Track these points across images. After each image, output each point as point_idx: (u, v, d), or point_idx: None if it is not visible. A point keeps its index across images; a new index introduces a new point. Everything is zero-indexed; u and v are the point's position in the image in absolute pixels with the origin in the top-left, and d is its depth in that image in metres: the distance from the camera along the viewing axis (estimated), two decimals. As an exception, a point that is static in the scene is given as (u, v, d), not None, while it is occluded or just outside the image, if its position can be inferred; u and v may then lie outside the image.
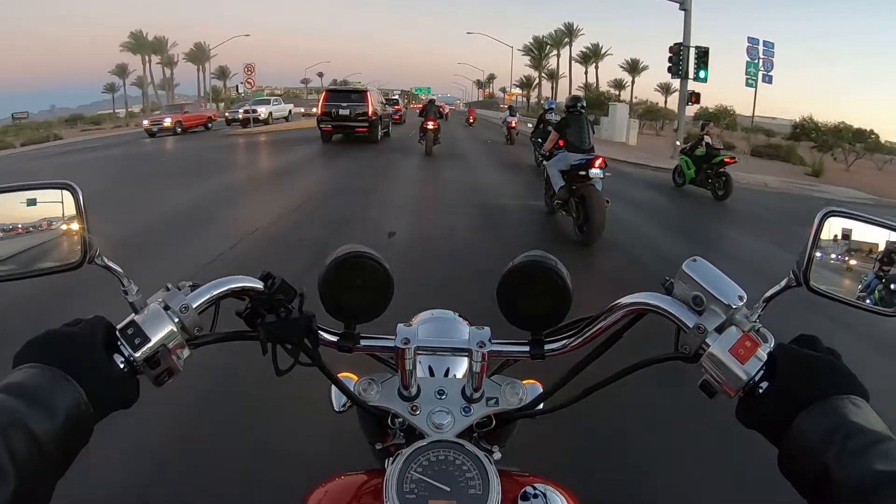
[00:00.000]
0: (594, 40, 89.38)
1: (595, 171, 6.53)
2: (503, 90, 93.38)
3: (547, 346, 0.81)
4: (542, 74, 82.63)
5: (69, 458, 0.57)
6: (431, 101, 17.59)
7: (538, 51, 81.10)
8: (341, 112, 19.38)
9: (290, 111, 39.18)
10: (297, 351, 0.73)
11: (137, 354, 0.65)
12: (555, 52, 79.63)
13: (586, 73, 75.99)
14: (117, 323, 0.67)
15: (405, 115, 38.10)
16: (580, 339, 0.79)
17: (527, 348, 0.81)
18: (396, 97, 43.01)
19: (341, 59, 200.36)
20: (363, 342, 0.82)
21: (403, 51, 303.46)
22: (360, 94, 19.90)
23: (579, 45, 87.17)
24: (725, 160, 10.85)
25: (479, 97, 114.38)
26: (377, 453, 0.98)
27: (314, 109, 23.65)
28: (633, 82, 76.91)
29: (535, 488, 0.69)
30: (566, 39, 77.14)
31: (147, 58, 74.83)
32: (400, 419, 0.80)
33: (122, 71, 78.98)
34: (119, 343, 0.65)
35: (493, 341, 0.78)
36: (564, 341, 0.81)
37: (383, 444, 0.95)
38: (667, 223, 8.70)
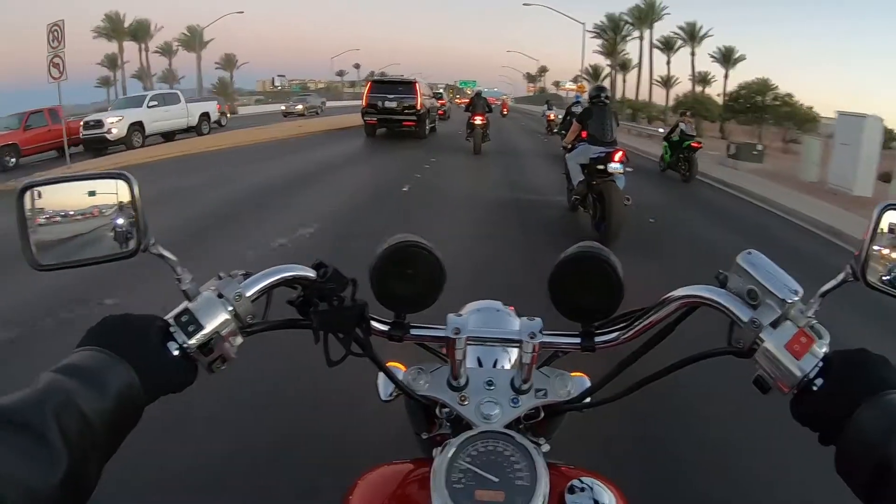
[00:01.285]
0: (679, 22, 69.00)
1: (614, 166, 6.26)
2: (557, 84, 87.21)
3: (598, 339, 0.81)
4: (614, 65, 60.48)
5: (118, 440, 0.59)
6: (479, 95, 16.43)
7: (613, 32, 58.13)
8: (387, 104, 18.92)
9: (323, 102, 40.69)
10: (348, 340, 0.74)
11: (191, 342, 0.66)
12: (635, 32, 57.23)
13: (668, 62, 55.85)
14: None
15: (449, 110, 35.29)
16: (632, 332, 0.79)
17: (577, 340, 0.81)
18: (441, 90, 41.36)
19: (371, 47, 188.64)
20: (413, 331, 0.83)
21: (444, 39, 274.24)
22: (408, 86, 19.33)
23: (664, 29, 67.54)
24: (693, 144, 12.29)
25: (527, 92, 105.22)
26: (423, 443, 0.99)
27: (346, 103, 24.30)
28: (726, 76, 51.84)
29: (581, 482, 0.69)
30: (652, 17, 55.00)
31: (143, 46, 63.31)
32: (447, 409, 0.81)
33: (112, 62, 64.01)
34: (173, 330, 0.66)
35: (543, 332, 0.77)
36: (615, 333, 0.80)
37: (429, 433, 0.96)
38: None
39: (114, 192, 0.69)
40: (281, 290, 0.75)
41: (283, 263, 0.75)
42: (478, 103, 15.80)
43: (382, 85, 20.06)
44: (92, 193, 0.70)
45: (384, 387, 1.05)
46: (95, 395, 0.56)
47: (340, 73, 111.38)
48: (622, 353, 0.79)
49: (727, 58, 52.63)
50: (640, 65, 58.86)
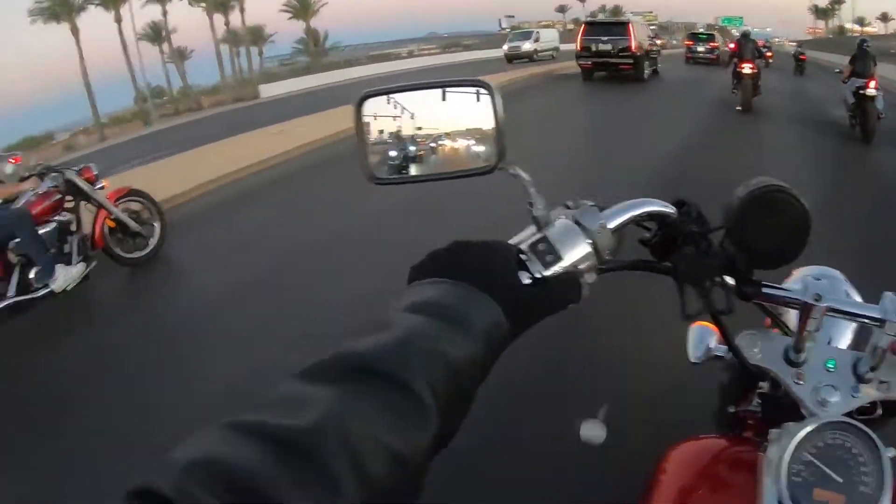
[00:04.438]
0: None
1: (870, 91, 8.75)
2: (861, 21, 66.17)
3: None
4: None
5: (479, 384, 0.50)
6: (745, 36, 12.93)
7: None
8: (601, 47, 18.44)
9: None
10: (709, 292, 0.67)
11: (548, 273, 0.58)
12: None
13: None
14: None
15: (721, 54, 25.02)
16: None
17: None
18: (712, 33, 32.31)
19: None
20: (765, 290, 0.73)
21: None
22: (622, 27, 18.65)
23: None
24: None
25: (805, 34, 73.42)
26: (727, 417, 0.93)
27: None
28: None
29: None
30: None
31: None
32: (773, 384, 0.74)
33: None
34: (526, 258, 0.59)
35: None
36: None
37: (737, 407, 0.91)
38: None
39: (473, 100, 0.63)
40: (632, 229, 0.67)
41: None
42: (746, 47, 12.59)
43: (596, 27, 19.50)
44: (441, 102, 0.64)
45: (696, 346, 0.98)
46: (462, 338, 0.47)
47: (562, 9, 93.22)
48: None
49: None
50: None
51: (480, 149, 0.63)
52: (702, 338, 1.02)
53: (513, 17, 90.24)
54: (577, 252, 0.60)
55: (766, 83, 12.94)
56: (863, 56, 9.47)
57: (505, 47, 34.07)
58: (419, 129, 0.65)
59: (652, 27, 28.89)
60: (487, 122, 0.62)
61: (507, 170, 0.62)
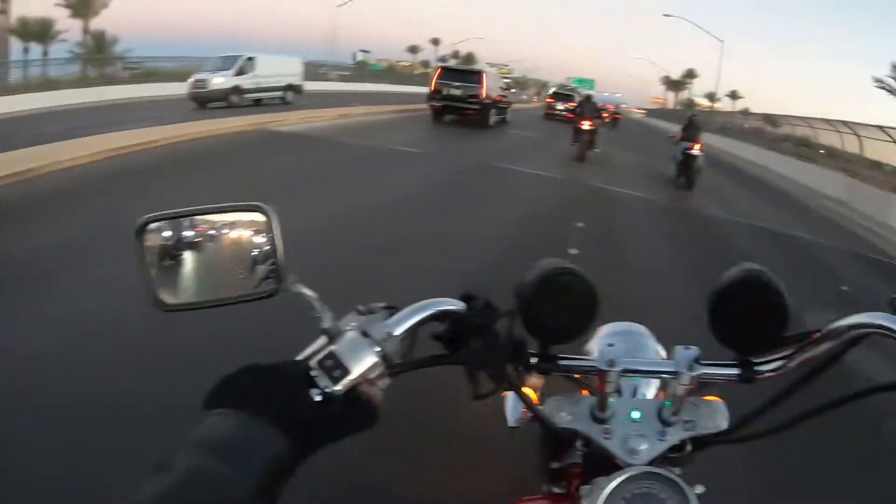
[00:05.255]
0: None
1: (695, 151, 12.22)
2: (713, 97, 72.77)
3: (758, 369, 0.76)
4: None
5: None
6: (588, 98, 15.74)
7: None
8: (452, 91, 19.32)
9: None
10: (500, 376, 0.70)
11: (337, 388, 0.59)
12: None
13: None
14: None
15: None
16: (796, 362, 0.73)
17: (736, 371, 0.76)
18: (572, 94, 34.72)
19: (492, 36, 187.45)
20: (562, 363, 0.78)
21: (567, 36, 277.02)
22: (476, 75, 19.84)
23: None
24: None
25: (649, 104, 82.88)
26: (552, 472, 0.96)
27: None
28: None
29: None
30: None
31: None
32: (585, 441, 0.76)
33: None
34: (315, 375, 0.59)
35: (700, 363, 0.72)
36: (777, 363, 0.75)
37: (560, 463, 0.93)
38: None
39: (252, 224, 0.63)
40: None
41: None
42: (587, 107, 14.96)
43: (450, 72, 20.47)
44: (223, 226, 0.64)
45: (512, 412, 1.01)
46: (243, 474, 0.48)
47: (413, 50, 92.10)
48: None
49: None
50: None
51: (263, 269, 0.64)
52: (518, 403, 1.06)
53: (369, 52, 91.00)
54: (364, 363, 0.61)
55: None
56: (692, 126, 12.96)
57: (191, 80, 20.16)
58: (199, 251, 0.64)
59: (506, 80, 30.57)
60: (268, 244, 0.62)
61: (291, 290, 0.62)
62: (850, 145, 17.89)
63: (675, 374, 0.71)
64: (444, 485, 2.43)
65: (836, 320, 0.69)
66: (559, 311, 0.73)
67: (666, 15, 37.68)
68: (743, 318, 0.72)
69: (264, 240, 0.62)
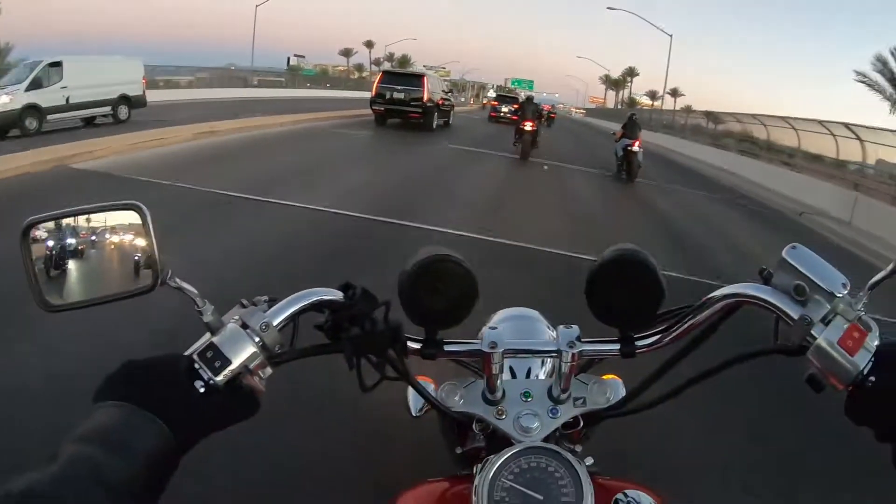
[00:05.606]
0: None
1: (635, 148, 13.17)
2: (655, 96, 71.98)
3: (638, 343, 0.79)
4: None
5: (156, 496, 0.54)
6: (529, 99, 16.17)
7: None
8: (395, 95, 19.06)
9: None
10: (382, 364, 0.72)
11: (219, 378, 0.62)
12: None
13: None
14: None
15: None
16: (673, 335, 0.77)
17: (616, 346, 0.79)
18: (516, 97, 34.71)
19: (427, 37, 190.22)
20: (447, 348, 0.80)
21: (508, 37, 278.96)
22: (418, 79, 19.54)
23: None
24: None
25: (589, 103, 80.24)
26: (457, 458, 0.98)
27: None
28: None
29: (626, 495, 0.69)
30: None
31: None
32: (483, 423, 0.79)
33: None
34: (198, 367, 0.62)
35: (582, 340, 0.76)
36: (655, 337, 0.78)
37: (463, 448, 0.95)
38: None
39: (127, 222, 0.65)
40: (309, 314, 0.71)
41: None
42: (528, 108, 15.30)
43: (392, 76, 20.20)
44: (102, 226, 0.66)
45: (414, 402, 1.10)
46: (124, 461, 0.50)
47: (347, 53, 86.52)
48: (658, 354, 0.78)
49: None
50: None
51: (141, 266, 0.65)
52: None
53: (303, 56, 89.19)
54: (244, 354, 0.64)
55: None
56: (631, 124, 13.72)
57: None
58: (80, 250, 0.66)
59: (446, 82, 30.65)
60: (145, 240, 0.64)
61: (170, 284, 0.64)
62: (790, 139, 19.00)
63: (557, 352, 0.75)
64: (352, 475, 2.42)
65: (711, 292, 0.72)
66: (439, 298, 0.75)
67: (610, 8, 37.82)
68: (620, 295, 0.75)
69: (142, 239, 0.64)
